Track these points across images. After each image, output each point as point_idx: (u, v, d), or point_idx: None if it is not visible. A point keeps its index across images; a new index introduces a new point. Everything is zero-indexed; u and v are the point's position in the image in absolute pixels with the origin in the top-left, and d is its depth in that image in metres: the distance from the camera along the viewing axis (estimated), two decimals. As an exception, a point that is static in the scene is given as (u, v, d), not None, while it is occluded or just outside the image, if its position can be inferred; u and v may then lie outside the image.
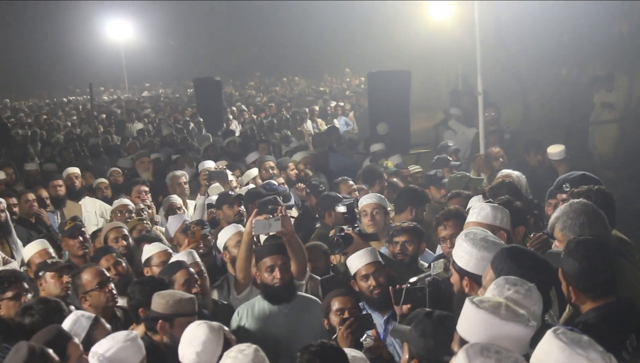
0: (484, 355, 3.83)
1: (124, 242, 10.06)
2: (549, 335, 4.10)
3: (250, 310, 7.92)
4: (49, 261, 8.68)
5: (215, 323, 6.36)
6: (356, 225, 9.10)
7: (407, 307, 6.95)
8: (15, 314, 7.15)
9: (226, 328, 6.53)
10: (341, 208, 9.36)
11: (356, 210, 10.08)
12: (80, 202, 14.13)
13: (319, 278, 9.02)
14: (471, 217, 7.35)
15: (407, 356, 5.28)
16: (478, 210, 7.35)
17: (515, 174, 10.98)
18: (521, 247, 5.85)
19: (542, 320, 5.12)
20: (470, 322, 4.42)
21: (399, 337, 5.97)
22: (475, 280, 5.77)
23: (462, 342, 4.38)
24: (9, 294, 7.65)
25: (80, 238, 10.24)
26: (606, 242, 6.28)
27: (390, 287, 7.32)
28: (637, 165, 17.71)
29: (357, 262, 7.91)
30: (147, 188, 13.56)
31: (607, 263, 5.69)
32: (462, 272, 5.88)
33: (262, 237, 9.32)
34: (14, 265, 10.74)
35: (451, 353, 4.72)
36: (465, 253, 5.90)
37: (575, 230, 6.58)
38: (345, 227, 8.89)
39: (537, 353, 4.14)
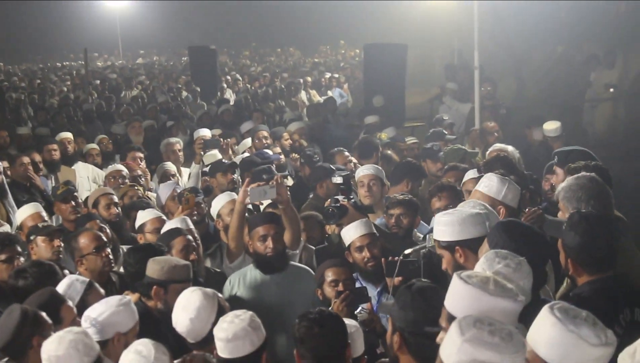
0: (476, 327, 3.81)
1: (116, 210, 10.03)
2: (544, 310, 4.09)
3: (242, 279, 7.90)
4: (40, 225, 8.65)
5: (209, 290, 6.36)
6: (351, 196, 9.08)
7: (399, 279, 6.96)
8: (9, 277, 7.14)
9: (220, 295, 6.53)
10: (337, 179, 9.35)
11: (352, 182, 10.09)
12: (73, 167, 14.07)
13: (314, 248, 9.02)
14: (478, 185, 7.40)
15: (390, 329, 5.27)
16: (486, 180, 7.36)
17: (510, 148, 10.99)
18: (517, 221, 5.87)
19: (535, 295, 5.11)
20: (458, 297, 4.39)
21: (384, 312, 5.98)
22: (467, 246, 5.78)
23: (450, 317, 4.34)
24: (2, 257, 7.64)
25: (73, 202, 10.20)
26: (609, 218, 6.31)
27: (383, 259, 7.32)
28: (632, 143, 17.72)
29: (351, 233, 7.91)
30: (142, 155, 13.55)
31: (608, 239, 5.68)
32: (451, 246, 5.89)
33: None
34: (7, 228, 10.72)
35: (432, 324, 4.73)
36: (445, 226, 5.95)
37: (572, 202, 6.70)
38: (340, 198, 8.88)
39: (532, 328, 4.14)
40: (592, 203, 6.66)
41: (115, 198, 10.24)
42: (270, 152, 13.02)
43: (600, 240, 5.63)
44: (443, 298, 4.73)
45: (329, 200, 8.90)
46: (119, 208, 10.11)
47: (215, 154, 12.65)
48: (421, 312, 4.98)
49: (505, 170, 8.25)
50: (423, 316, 4.93)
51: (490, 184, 7.25)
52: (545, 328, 4.02)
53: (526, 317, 4.33)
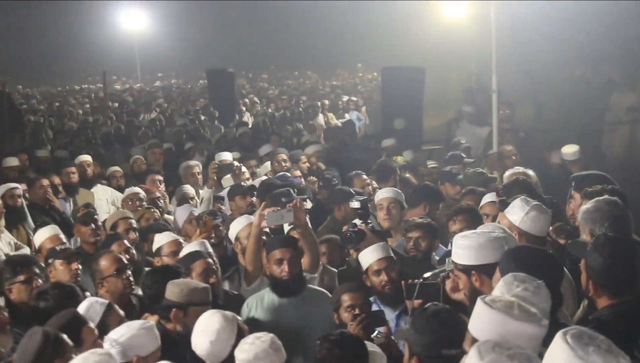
0: (495, 352, 3.82)
1: (134, 235, 10.04)
2: (558, 335, 4.06)
3: (259, 302, 7.90)
4: (57, 248, 8.66)
5: (228, 313, 6.38)
6: (369, 221, 9.07)
7: (418, 302, 6.95)
8: (30, 298, 7.17)
9: (239, 318, 6.55)
10: (355, 204, 9.32)
11: (369, 206, 10.08)
12: (92, 190, 14.13)
13: (336, 270, 9.03)
14: (512, 216, 7.17)
15: (407, 355, 5.28)
16: (510, 205, 7.24)
17: (530, 172, 10.96)
18: (525, 246, 5.81)
19: (552, 317, 5.09)
20: (483, 322, 4.39)
21: (401, 337, 5.96)
22: (483, 271, 5.76)
23: (474, 341, 4.34)
24: (21, 278, 7.69)
25: (93, 225, 10.21)
26: (633, 241, 6.29)
27: (402, 282, 7.31)
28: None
29: (369, 257, 7.91)
30: (161, 178, 13.62)
31: (632, 263, 5.65)
32: (467, 269, 5.86)
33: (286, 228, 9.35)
34: (26, 250, 10.77)
35: (449, 347, 4.73)
36: (462, 249, 5.89)
37: (589, 224, 6.80)
38: (358, 222, 8.87)
39: (547, 352, 4.13)
40: (607, 225, 6.67)
41: (134, 223, 10.28)
42: (289, 175, 13.05)
43: (623, 264, 5.60)
44: (459, 320, 4.73)
45: (347, 225, 8.89)
46: (137, 233, 10.15)
47: (230, 179, 12.68)
48: (437, 334, 5.01)
49: (525, 194, 8.20)
50: (439, 339, 4.95)
51: (511, 210, 7.20)
52: (557, 354, 3.98)
53: (545, 341, 4.31)
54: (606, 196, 7.13)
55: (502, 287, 4.93)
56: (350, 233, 8.48)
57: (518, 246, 5.72)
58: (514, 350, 3.82)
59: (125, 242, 8.93)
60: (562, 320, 5.55)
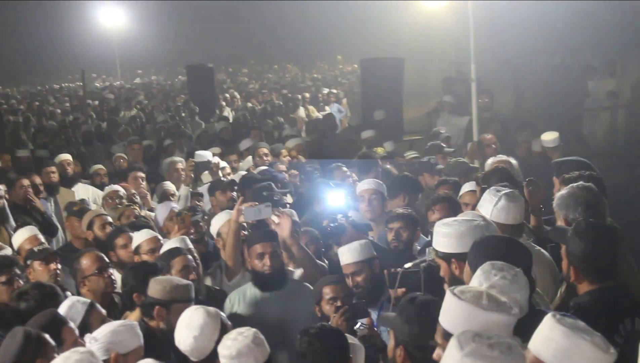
0: (475, 341, 3.82)
1: (111, 228, 9.99)
2: (550, 321, 4.09)
3: (242, 297, 7.90)
4: (35, 249, 8.67)
5: (211, 308, 6.37)
6: (349, 214, 9.04)
7: (402, 290, 6.94)
8: (10, 299, 7.15)
9: (222, 313, 6.54)
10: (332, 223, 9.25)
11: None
12: (73, 189, 14.10)
13: (324, 264, 9.00)
14: (483, 210, 7.14)
15: (393, 343, 5.28)
16: (482, 199, 7.24)
17: (512, 160, 10.97)
18: (491, 237, 5.74)
19: (530, 305, 5.10)
20: (452, 313, 4.40)
21: (385, 325, 5.94)
22: (463, 259, 5.75)
23: (445, 333, 4.37)
24: (2, 279, 7.65)
25: None
26: (614, 228, 6.33)
27: (384, 271, 7.32)
28: (632, 152, 17.76)
29: (341, 257, 7.86)
30: (143, 175, 13.58)
31: (613, 249, 5.69)
32: (447, 257, 5.88)
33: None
34: (8, 251, 10.72)
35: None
36: (443, 237, 5.91)
37: (563, 210, 6.86)
38: (339, 216, 8.86)
39: (537, 339, 4.13)
40: (581, 210, 6.71)
41: (109, 219, 10.25)
42: (272, 169, 13.05)
43: (604, 250, 5.63)
44: None
45: (327, 219, 8.86)
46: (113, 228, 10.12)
47: (207, 175, 12.68)
48: (426, 325, 4.99)
49: (503, 182, 8.19)
50: (428, 330, 4.94)
51: (482, 203, 7.20)
52: (555, 339, 4.02)
53: (523, 328, 4.34)
54: (580, 182, 7.15)
55: (480, 276, 4.93)
56: (331, 228, 8.46)
57: (484, 237, 5.69)
58: (494, 340, 3.82)
59: (189, 257, 8.51)
60: (538, 307, 5.56)
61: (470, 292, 4.42)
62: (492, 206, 6.96)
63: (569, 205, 6.82)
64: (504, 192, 7.06)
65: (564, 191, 7.01)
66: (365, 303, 7.11)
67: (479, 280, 4.90)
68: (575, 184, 7.04)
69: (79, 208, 10.41)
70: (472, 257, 5.47)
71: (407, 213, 8.87)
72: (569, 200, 6.85)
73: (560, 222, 6.87)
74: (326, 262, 9.16)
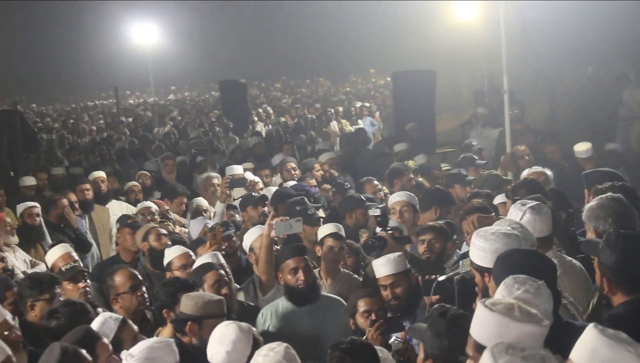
0: (509, 354, 3.81)
1: (167, 240, 10.09)
2: (593, 332, 4.05)
3: (274, 311, 7.93)
4: (63, 268, 8.77)
5: (244, 324, 6.39)
6: (388, 228, 9.02)
7: (436, 297, 6.93)
8: (42, 317, 7.19)
9: (254, 329, 6.56)
10: (375, 212, 9.23)
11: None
12: (107, 206, 14.18)
13: (360, 279, 9.03)
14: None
15: (422, 356, 5.27)
16: (524, 219, 7.00)
17: (547, 171, 10.91)
18: (515, 250, 5.73)
19: (555, 316, 5.07)
20: (484, 325, 4.39)
21: (414, 336, 5.94)
22: None
23: (477, 345, 4.36)
24: (46, 296, 7.72)
25: None
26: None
27: (419, 277, 7.32)
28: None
29: (377, 270, 7.82)
30: (186, 200, 13.61)
31: None
32: (481, 270, 5.85)
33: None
34: (42, 267, 10.81)
35: (467, 354, 4.73)
36: (479, 250, 5.87)
37: (592, 221, 6.83)
38: (378, 230, 8.84)
39: (579, 350, 4.10)
40: (611, 221, 6.68)
41: (164, 230, 10.35)
42: (306, 184, 13.06)
43: (637, 259, 5.58)
44: None
45: (366, 234, 8.82)
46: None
47: (242, 190, 12.69)
48: (456, 340, 4.98)
49: (532, 194, 8.14)
50: (458, 344, 4.93)
51: (508, 218, 7.11)
52: (601, 351, 3.96)
53: (551, 340, 4.32)
54: (609, 193, 7.11)
55: (503, 291, 4.92)
56: (373, 241, 8.41)
57: (507, 251, 5.65)
58: (527, 352, 3.82)
59: (221, 272, 8.27)
60: (566, 319, 5.53)
61: (502, 304, 4.42)
62: (518, 219, 6.83)
63: (598, 217, 6.79)
64: (529, 205, 6.98)
65: (593, 202, 6.99)
66: (400, 317, 7.11)
67: (502, 294, 4.89)
68: (605, 196, 7.00)
69: (132, 222, 10.48)
70: (496, 272, 5.46)
71: (437, 226, 8.88)
72: (598, 211, 6.82)
73: (590, 234, 6.85)
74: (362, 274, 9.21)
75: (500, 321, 4.31)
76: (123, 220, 11.04)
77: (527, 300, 4.72)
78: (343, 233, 9.24)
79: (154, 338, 6.22)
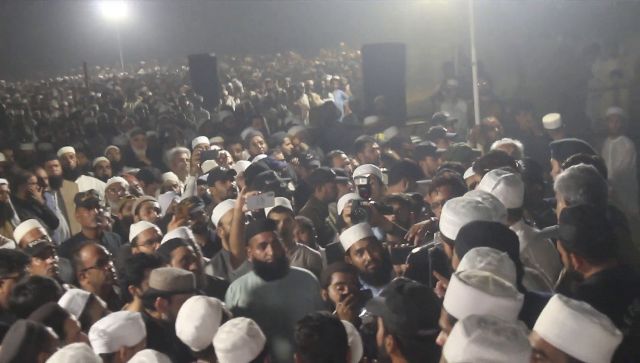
0: (481, 327, 3.81)
1: (155, 213, 10.19)
2: (557, 303, 4.11)
3: (243, 286, 7.90)
4: (30, 244, 8.67)
5: (213, 299, 6.41)
6: (370, 198, 9.00)
7: (405, 266, 6.97)
8: (9, 294, 7.15)
9: (224, 303, 6.56)
10: (362, 181, 9.22)
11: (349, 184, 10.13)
12: (76, 181, 14.12)
13: (318, 252, 9.06)
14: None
15: (381, 331, 5.26)
16: (497, 189, 7.01)
17: (517, 143, 10.90)
18: (476, 222, 5.70)
19: (519, 287, 5.06)
20: (458, 298, 4.37)
21: (373, 311, 5.91)
22: None
23: (450, 318, 4.35)
24: (15, 274, 7.63)
25: (96, 210, 10.36)
26: (600, 208, 6.32)
27: (389, 247, 7.35)
28: (636, 132, 17.71)
29: (350, 237, 7.91)
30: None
31: (604, 224, 5.71)
32: (450, 242, 5.86)
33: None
34: (11, 244, 10.75)
35: (426, 327, 4.75)
36: (449, 224, 5.87)
37: (564, 191, 6.82)
38: (362, 199, 8.82)
39: (544, 321, 4.15)
40: (582, 192, 6.70)
41: (156, 204, 10.44)
42: (274, 158, 13.06)
43: (595, 226, 5.65)
44: (435, 299, 4.72)
45: (351, 202, 8.80)
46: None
47: (212, 163, 12.66)
48: (415, 315, 5.00)
49: (501, 166, 8.13)
50: (417, 319, 4.94)
51: (480, 186, 7.11)
52: (566, 322, 4.05)
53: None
54: (581, 164, 7.13)
55: (466, 264, 4.94)
56: (360, 210, 8.41)
57: (469, 223, 5.66)
58: (499, 325, 3.82)
59: (189, 247, 8.30)
60: (531, 290, 5.55)
61: (476, 277, 4.40)
62: (490, 189, 6.86)
63: (569, 187, 6.80)
64: (503, 176, 7.00)
65: (564, 173, 7.00)
66: (371, 292, 7.14)
67: (465, 267, 4.90)
68: (576, 166, 7.01)
69: (87, 199, 10.40)
70: (459, 244, 5.48)
71: (403, 196, 8.96)
72: (569, 182, 6.83)
73: (561, 204, 6.86)
74: (321, 249, 9.26)
75: (475, 294, 4.29)
76: (77, 200, 10.85)
77: (490, 272, 4.72)
78: (289, 206, 9.41)
79: (122, 313, 6.19)
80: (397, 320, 5.08)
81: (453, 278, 4.45)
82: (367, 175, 9.38)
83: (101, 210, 10.57)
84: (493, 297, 4.26)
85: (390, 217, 8.71)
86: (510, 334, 3.78)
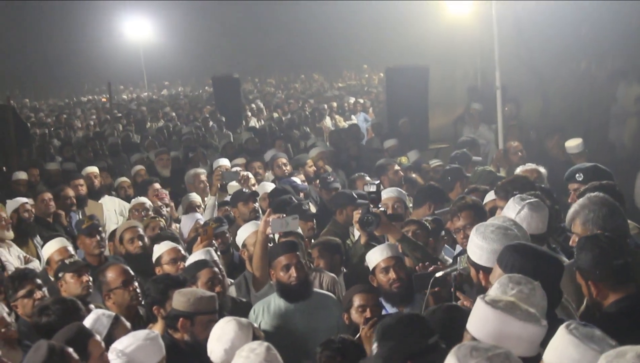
0: (474, 356, 3.82)
1: (140, 243, 10.08)
2: (562, 331, 4.10)
3: (266, 308, 7.93)
4: (67, 261, 8.69)
5: (244, 320, 6.42)
6: (380, 206, 8.99)
7: (434, 290, 6.99)
8: (32, 314, 7.19)
9: (255, 325, 6.55)
10: (371, 188, 9.20)
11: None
12: (100, 201, 14.17)
13: (334, 275, 9.03)
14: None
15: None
16: (521, 214, 6.95)
17: (541, 168, 10.87)
18: (525, 243, 5.76)
19: (551, 314, 5.07)
20: (484, 321, 4.41)
21: None
22: (490, 273, 5.74)
23: (473, 340, 4.37)
24: (22, 292, 7.78)
25: (97, 237, 10.20)
26: (618, 235, 6.28)
27: (412, 274, 7.37)
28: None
29: (377, 255, 7.91)
30: (159, 186, 13.64)
31: (621, 251, 5.68)
32: (476, 267, 5.87)
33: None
34: (36, 264, 10.80)
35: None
36: (477, 248, 5.88)
37: (598, 222, 6.66)
38: (372, 207, 8.81)
39: (550, 350, 4.14)
40: (594, 220, 6.67)
41: (140, 231, 10.27)
42: (298, 180, 13.06)
43: (612, 252, 5.64)
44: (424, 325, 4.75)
45: (361, 210, 8.79)
46: (144, 241, 10.13)
47: (237, 186, 12.69)
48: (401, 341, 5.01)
49: (520, 192, 8.08)
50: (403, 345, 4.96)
51: (505, 211, 7.07)
52: (567, 350, 4.03)
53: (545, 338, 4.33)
54: (596, 192, 7.09)
55: (497, 289, 4.93)
56: (368, 217, 8.40)
57: (518, 243, 5.66)
58: (492, 352, 3.84)
59: (215, 269, 8.27)
60: (560, 316, 5.54)
61: (503, 302, 4.43)
62: (514, 214, 6.83)
63: (582, 216, 6.76)
64: (528, 201, 6.96)
65: (579, 202, 6.96)
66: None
67: (496, 292, 4.89)
68: (593, 194, 6.98)
69: (87, 226, 10.25)
70: (508, 258, 5.47)
71: (420, 219, 9.08)
72: (584, 211, 6.79)
73: (575, 229, 6.81)
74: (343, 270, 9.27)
75: (501, 318, 4.32)
76: (78, 227, 10.73)
77: (520, 300, 4.70)
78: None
79: (140, 332, 6.18)
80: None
81: (479, 301, 4.46)
82: (376, 182, 9.38)
83: (103, 235, 10.48)
84: (519, 321, 4.28)
85: (409, 233, 8.71)
86: (503, 359, 3.81)
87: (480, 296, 4.56)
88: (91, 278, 8.51)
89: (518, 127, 16.78)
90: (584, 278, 5.70)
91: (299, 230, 9.38)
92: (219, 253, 9.04)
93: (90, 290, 8.40)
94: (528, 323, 4.29)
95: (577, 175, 9.06)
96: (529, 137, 16.32)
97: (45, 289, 7.93)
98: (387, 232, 8.39)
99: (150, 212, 11.94)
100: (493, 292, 4.95)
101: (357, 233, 9.83)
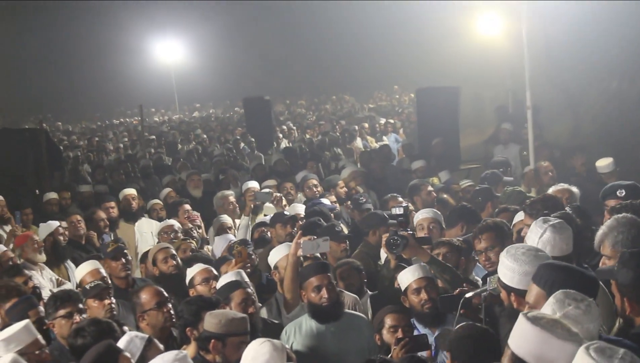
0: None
1: (173, 262, 10.12)
2: (580, 351, 4.11)
3: (297, 329, 7.96)
4: (87, 286, 8.71)
5: (277, 342, 6.41)
6: (408, 229, 8.99)
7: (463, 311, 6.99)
8: (68, 335, 7.23)
9: (287, 347, 6.56)
10: (398, 210, 9.20)
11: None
12: (137, 223, 14.26)
13: (355, 296, 9.01)
14: (529, 242, 6.82)
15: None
16: (544, 237, 6.77)
17: (574, 188, 10.79)
18: (561, 262, 5.77)
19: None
20: (525, 338, 4.42)
21: (443, 348, 5.95)
22: (522, 295, 5.74)
23: (514, 357, 4.39)
24: (61, 312, 7.79)
25: (123, 260, 10.17)
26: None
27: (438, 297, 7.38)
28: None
29: (408, 276, 7.90)
30: (189, 208, 13.69)
31: None
32: (508, 289, 5.88)
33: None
34: (68, 286, 10.86)
35: None
36: (508, 270, 5.89)
37: (627, 244, 6.57)
38: (399, 229, 8.82)
39: None
40: (624, 241, 6.62)
41: (173, 251, 10.31)
42: (327, 201, 13.07)
43: None
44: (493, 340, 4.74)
45: (388, 232, 8.79)
46: (177, 261, 10.19)
47: (273, 209, 12.71)
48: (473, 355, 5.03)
49: (550, 212, 8.05)
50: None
51: (529, 235, 6.93)
52: None
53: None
54: (623, 213, 7.06)
55: (554, 304, 4.90)
56: (395, 239, 8.39)
57: (550, 262, 5.67)
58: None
59: (249, 290, 8.25)
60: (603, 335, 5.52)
61: (545, 319, 4.46)
62: (537, 238, 6.69)
63: (612, 237, 6.72)
64: (550, 223, 6.82)
65: (608, 222, 6.93)
66: (426, 336, 7.13)
67: (553, 308, 4.88)
68: (620, 216, 6.94)
69: (112, 249, 10.24)
70: (547, 275, 5.49)
71: (451, 241, 9.02)
72: (612, 232, 6.76)
73: (605, 251, 6.79)
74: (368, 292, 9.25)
75: (543, 336, 4.35)
76: (103, 250, 10.72)
77: (577, 317, 4.76)
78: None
79: (168, 354, 6.17)
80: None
81: (521, 317, 4.48)
82: (404, 205, 9.35)
83: (129, 258, 10.43)
84: (560, 341, 4.30)
85: (440, 256, 8.71)
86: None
87: (523, 313, 4.58)
88: (114, 300, 8.58)
89: (542, 146, 16.72)
90: (620, 292, 5.65)
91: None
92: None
93: (115, 313, 8.44)
94: (568, 342, 4.31)
95: (619, 191, 9.02)
96: (553, 156, 16.24)
97: (85, 315, 7.96)
98: (415, 255, 8.32)
99: (179, 234, 11.99)
100: (549, 306, 4.94)
101: (384, 254, 9.81)
